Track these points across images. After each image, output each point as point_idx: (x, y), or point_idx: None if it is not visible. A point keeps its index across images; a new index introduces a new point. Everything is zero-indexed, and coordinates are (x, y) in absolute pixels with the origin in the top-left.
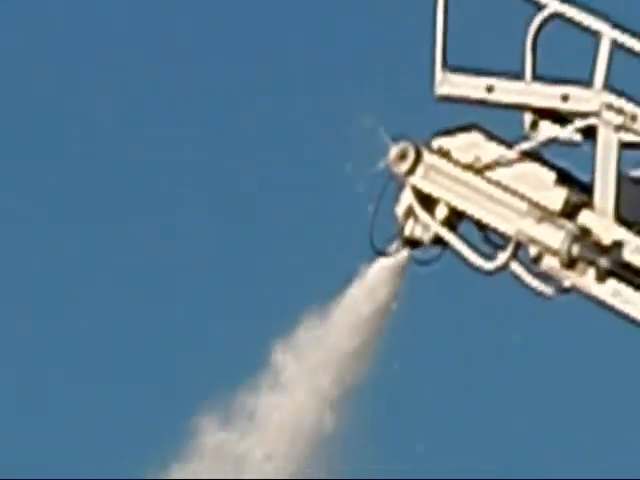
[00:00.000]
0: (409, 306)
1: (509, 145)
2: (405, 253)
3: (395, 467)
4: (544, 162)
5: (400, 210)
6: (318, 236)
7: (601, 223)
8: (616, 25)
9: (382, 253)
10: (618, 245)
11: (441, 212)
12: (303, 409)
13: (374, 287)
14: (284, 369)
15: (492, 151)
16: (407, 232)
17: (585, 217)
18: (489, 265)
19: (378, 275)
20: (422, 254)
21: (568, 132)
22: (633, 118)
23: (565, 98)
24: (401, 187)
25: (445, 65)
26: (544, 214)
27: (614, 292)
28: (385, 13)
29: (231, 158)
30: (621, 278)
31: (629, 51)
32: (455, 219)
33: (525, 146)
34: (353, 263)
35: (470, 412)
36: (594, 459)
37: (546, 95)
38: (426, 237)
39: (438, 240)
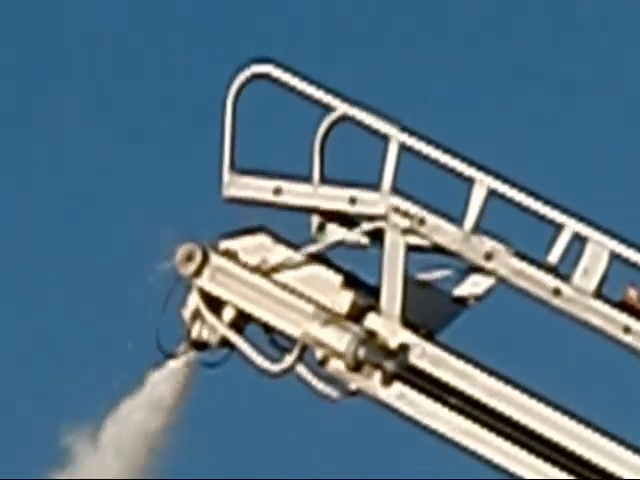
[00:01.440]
0: (197, 408)
1: (296, 247)
2: (193, 355)
3: None
4: (331, 265)
5: (187, 312)
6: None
7: (387, 326)
8: (404, 128)
9: (171, 355)
10: (404, 348)
11: (228, 314)
12: None
13: (162, 388)
14: None
15: (279, 253)
16: (194, 334)
17: (372, 320)
18: (275, 367)
19: (167, 376)
20: (210, 356)
21: (355, 235)
22: (421, 222)
23: (353, 201)
24: (189, 289)
25: (233, 167)
26: (330, 317)
27: (399, 395)
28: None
29: None
30: (406, 381)
31: (418, 154)
32: (242, 321)
33: (312, 249)
34: (142, 366)
35: None
36: None
37: (334, 198)
38: (213, 339)
39: (226, 342)
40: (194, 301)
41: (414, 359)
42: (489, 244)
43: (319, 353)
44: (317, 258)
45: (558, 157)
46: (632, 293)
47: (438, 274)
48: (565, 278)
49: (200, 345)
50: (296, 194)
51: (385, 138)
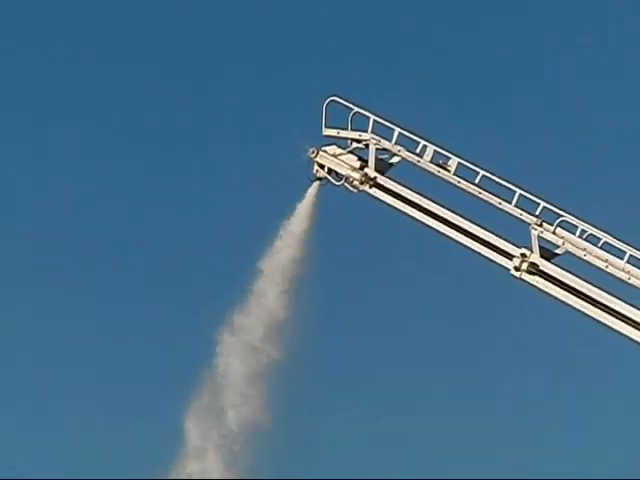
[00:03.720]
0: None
1: (344, 149)
2: (318, 182)
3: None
4: (354, 154)
5: (314, 169)
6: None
7: (370, 171)
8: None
9: (315, 180)
10: (376, 177)
11: (325, 169)
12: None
13: (314, 195)
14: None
15: (339, 151)
16: (317, 175)
17: (366, 170)
18: (338, 183)
19: (314, 189)
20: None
21: (361, 146)
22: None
23: (360, 135)
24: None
25: (326, 125)
26: (353, 168)
27: (376, 192)
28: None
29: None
30: (380, 189)
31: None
32: (329, 170)
33: (349, 148)
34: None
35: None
36: None
37: (356, 137)
38: (322, 175)
39: (325, 178)
40: (315, 166)
41: (380, 181)
42: (397, 147)
43: (351, 178)
44: (351, 152)
45: None
46: None
47: (386, 156)
48: (419, 155)
49: (319, 179)
50: (345, 134)
51: (367, 121)
